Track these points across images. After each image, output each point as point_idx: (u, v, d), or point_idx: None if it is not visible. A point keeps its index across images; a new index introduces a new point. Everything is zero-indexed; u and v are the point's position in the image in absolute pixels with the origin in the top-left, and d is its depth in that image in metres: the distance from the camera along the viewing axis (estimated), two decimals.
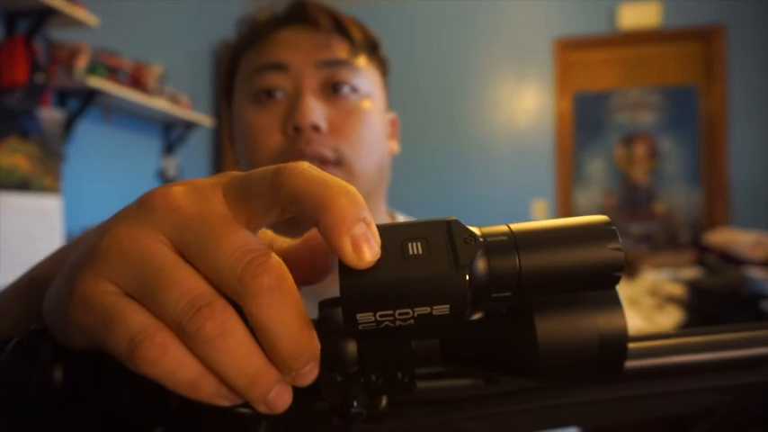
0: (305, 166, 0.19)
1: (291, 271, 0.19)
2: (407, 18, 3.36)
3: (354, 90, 0.55)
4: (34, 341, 0.20)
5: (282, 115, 0.53)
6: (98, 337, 0.18)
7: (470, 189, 3.21)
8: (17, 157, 1.80)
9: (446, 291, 0.17)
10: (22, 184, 1.81)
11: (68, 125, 2.04)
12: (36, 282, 0.28)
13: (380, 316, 0.17)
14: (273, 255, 0.19)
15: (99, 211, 2.21)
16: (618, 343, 0.19)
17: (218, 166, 3.18)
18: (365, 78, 0.56)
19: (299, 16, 0.56)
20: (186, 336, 0.18)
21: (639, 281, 2.58)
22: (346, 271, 0.17)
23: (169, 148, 2.72)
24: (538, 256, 0.18)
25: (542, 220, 0.19)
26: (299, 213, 0.19)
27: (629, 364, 0.22)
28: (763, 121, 2.93)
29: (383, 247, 0.18)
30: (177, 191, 0.20)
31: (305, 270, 0.22)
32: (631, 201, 3.16)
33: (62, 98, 2.04)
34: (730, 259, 2.39)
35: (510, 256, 0.18)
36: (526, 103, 3.24)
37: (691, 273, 2.40)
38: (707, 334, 0.24)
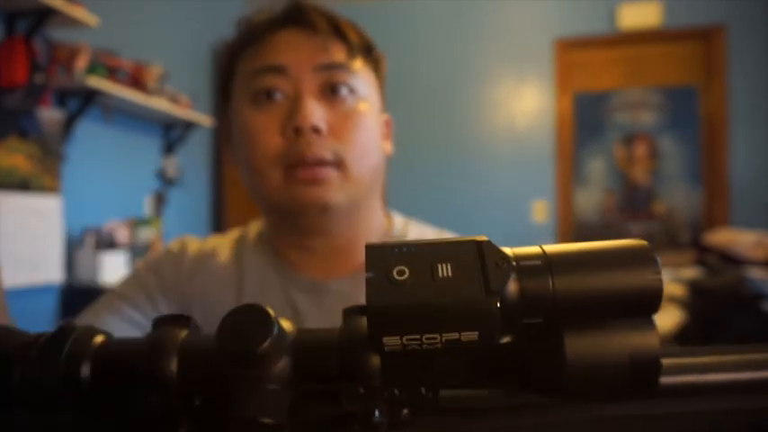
0: None
1: None
2: (408, 18, 3.36)
3: (352, 92, 0.56)
4: (63, 338, 0.20)
5: (282, 117, 0.54)
6: None
7: (470, 189, 3.21)
8: (17, 157, 1.79)
9: (476, 317, 0.17)
10: (21, 184, 1.81)
11: (68, 125, 2.04)
12: None
13: (407, 339, 0.17)
14: None
15: (98, 210, 2.21)
16: (650, 361, 0.18)
17: (217, 165, 3.18)
18: (362, 80, 0.57)
19: (296, 18, 0.57)
20: None
21: None
22: (375, 291, 0.17)
23: (169, 148, 2.72)
24: (573, 281, 0.17)
25: (577, 243, 0.18)
26: None
27: (663, 380, 0.21)
28: (763, 121, 2.93)
29: (412, 267, 0.17)
30: None
31: None
32: (631, 201, 3.15)
33: (62, 98, 2.04)
34: (730, 259, 2.39)
35: (543, 281, 0.17)
36: (526, 104, 3.24)
37: (691, 273, 2.40)
38: (742, 352, 0.22)
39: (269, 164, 0.53)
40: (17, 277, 1.76)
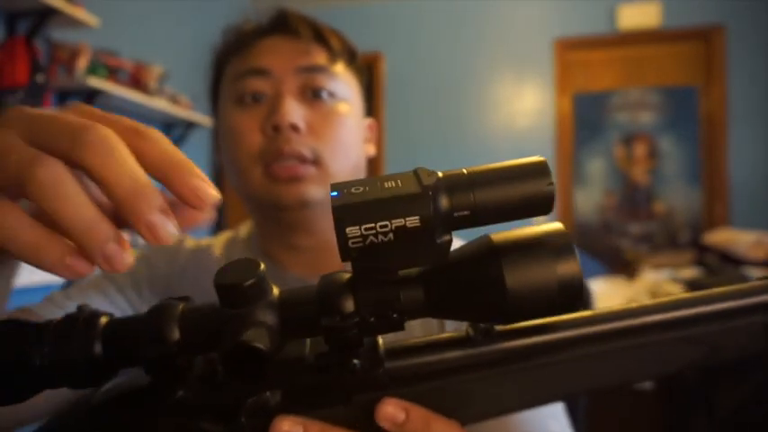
0: (103, 139, 0.21)
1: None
2: (408, 18, 3.36)
3: (332, 95, 0.58)
4: (73, 323, 0.24)
5: (263, 117, 0.56)
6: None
7: None
8: None
9: (414, 203, 0.21)
10: None
11: None
12: None
13: (365, 230, 0.21)
14: (51, 158, 0.21)
15: None
16: (575, 285, 0.23)
17: (217, 166, 3.19)
18: (342, 84, 0.59)
19: (281, 25, 0.60)
20: (24, 189, 0.20)
21: (639, 281, 2.58)
22: (338, 198, 0.22)
23: None
24: (488, 179, 0.23)
25: (488, 165, 0.24)
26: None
27: (613, 325, 0.26)
28: (763, 121, 2.93)
29: (365, 184, 0.22)
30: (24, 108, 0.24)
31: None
32: (631, 201, 3.16)
33: (63, 98, 2.04)
34: (730, 259, 2.39)
35: (465, 181, 0.23)
36: (526, 103, 3.24)
37: (690, 273, 2.40)
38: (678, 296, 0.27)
39: (250, 161, 0.56)
40: (17, 277, 1.75)
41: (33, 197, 0.20)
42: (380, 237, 0.21)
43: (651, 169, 3.14)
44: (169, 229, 0.21)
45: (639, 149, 3.15)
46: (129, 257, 0.21)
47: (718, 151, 2.98)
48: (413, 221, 0.21)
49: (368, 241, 0.21)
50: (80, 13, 1.85)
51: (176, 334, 0.23)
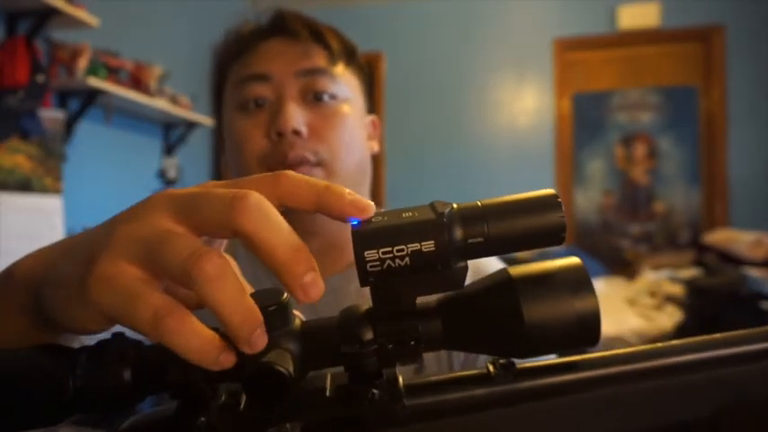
0: (258, 204, 0.23)
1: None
2: (408, 19, 3.36)
3: (333, 96, 0.59)
4: (103, 351, 0.24)
5: (266, 122, 0.57)
6: (120, 314, 0.22)
7: (470, 189, 3.21)
8: (18, 158, 1.80)
9: (429, 229, 0.22)
10: (22, 185, 1.82)
11: (69, 125, 2.04)
12: (28, 283, 0.29)
13: (383, 253, 0.22)
14: (215, 250, 0.22)
15: (99, 210, 2.22)
16: (593, 319, 0.23)
17: (218, 166, 3.19)
18: (343, 84, 0.60)
19: (279, 28, 0.60)
20: (191, 280, 0.21)
21: (639, 281, 2.58)
22: (359, 226, 0.23)
23: (169, 149, 2.72)
24: (501, 211, 0.24)
25: (501, 197, 0.25)
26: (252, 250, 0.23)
27: (634, 366, 0.25)
28: (763, 121, 2.93)
29: (384, 215, 0.23)
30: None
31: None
32: (631, 201, 3.16)
33: (63, 98, 2.04)
34: (729, 259, 2.39)
35: (479, 212, 0.24)
36: (526, 104, 3.24)
37: (690, 273, 2.41)
38: (703, 336, 0.27)
39: (254, 166, 0.57)
40: None
41: (196, 286, 0.21)
42: (397, 261, 0.22)
43: (651, 169, 3.14)
44: (320, 285, 0.23)
45: (639, 149, 3.16)
46: (265, 340, 0.23)
47: (718, 151, 2.98)
48: (428, 246, 0.22)
49: (385, 265, 0.22)
50: (80, 13, 1.86)
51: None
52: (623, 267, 2.93)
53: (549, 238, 0.24)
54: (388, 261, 0.22)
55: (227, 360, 0.22)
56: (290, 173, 0.25)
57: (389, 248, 0.22)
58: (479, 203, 0.24)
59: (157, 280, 0.23)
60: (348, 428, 0.24)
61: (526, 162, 3.19)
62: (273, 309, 0.23)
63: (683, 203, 3.08)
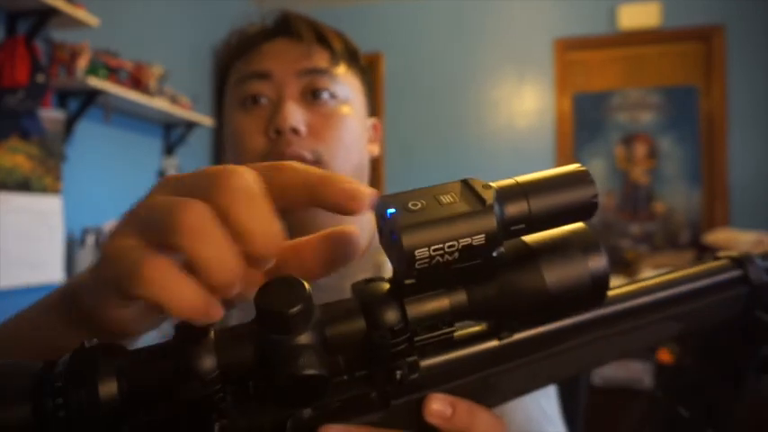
0: (241, 177, 0.23)
1: (310, 260, 0.25)
2: (408, 18, 3.36)
3: (333, 96, 0.58)
4: (83, 364, 0.21)
5: (266, 120, 0.57)
6: (122, 284, 0.21)
7: None
8: (18, 157, 1.80)
9: (480, 222, 0.21)
10: (22, 184, 1.82)
11: (69, 125, 2.04)
12: (72, 290, 0.29)
13: (434, 250, 0.21)
14: (198, 201, 0.21)
15: (99, 211, 2.21)
16: (604, 278, 0.25)
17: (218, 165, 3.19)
18: (344, 85, 0.60)
19: (283, 29, 0.61)
20: (173, 233, 0.20)
21: None
22: (401, 217, 0.21)
23: (169, 149, 2.72)
24: (540, 188, 0.23)
25: (534, 173, 0.24)
26: (290, 200, 0.24)
27: (612, 308, 0.29)
28: (763, 121, 2.93)
29: (421, 200, 0.22)
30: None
31: (322, 259, 0.26)
32: (631, 201, 3.16)
33: (63, 98, 2.04)
34: None
35: (520, 195, 0.23)
36: (526, 104, 3.24)
37: None
38: (657, 278, 0.31)
39: (252, 163, 0.57)
40: (17, 277, 1.76)
41: (177, 241, 0.20)
42: (446, 256, 0.21)
43: (651, 169, 3.14)
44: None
45: (639, 149, 3.15)
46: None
47: (718, 151, 2.98)
48: (479, 239, 0.21)
49: (434, 261, 0.21)
50: (80, 13, 1.85)
51: (211, 363, 0.21)
52: (623, 267, 2.93)
53: (584, 213, 0.24)
54: (437, 257, 0.21)
55: (217, 313, 0.21)
56: (292, 162, 0.25)
57: (441, 245, 0.21)
58: (517, 181, 0.24)
59: (154, 246, 0.22)
60: (368, 403, 0.24)
61: (526, 162, 3.19)
62: (297, 310, 0.21)
63: (683, 203, 3.08)
